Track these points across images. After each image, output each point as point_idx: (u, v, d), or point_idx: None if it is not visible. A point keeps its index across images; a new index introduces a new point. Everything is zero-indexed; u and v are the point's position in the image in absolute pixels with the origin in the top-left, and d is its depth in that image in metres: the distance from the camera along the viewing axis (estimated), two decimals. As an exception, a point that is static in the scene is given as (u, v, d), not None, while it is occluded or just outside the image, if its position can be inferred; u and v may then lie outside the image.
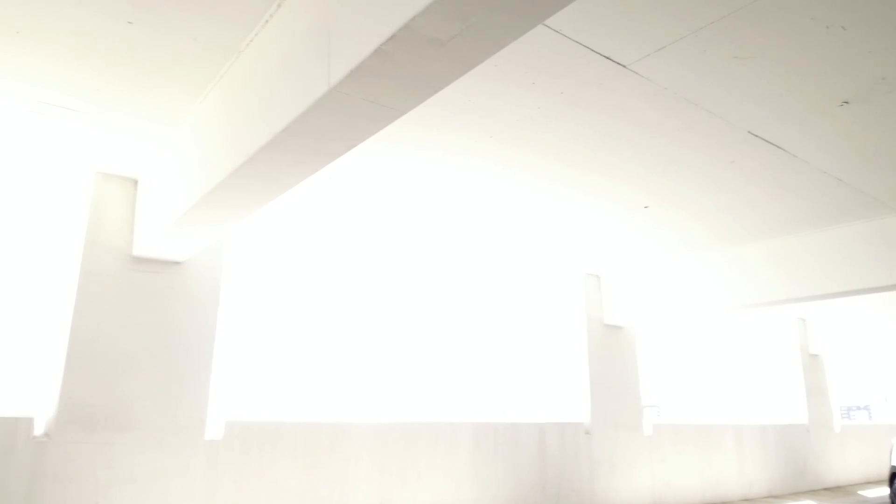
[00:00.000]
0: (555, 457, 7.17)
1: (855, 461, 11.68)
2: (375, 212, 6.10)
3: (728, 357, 10.82)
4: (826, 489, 10.78)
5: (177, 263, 5.20)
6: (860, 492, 10.43)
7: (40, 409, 4.74)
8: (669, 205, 5.85)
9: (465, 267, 7.90)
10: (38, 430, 4.49)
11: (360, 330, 7.08)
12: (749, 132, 4.34)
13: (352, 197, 5.70)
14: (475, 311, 7.62)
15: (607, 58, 3.51)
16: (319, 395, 6.70)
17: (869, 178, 5.17)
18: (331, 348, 6.94)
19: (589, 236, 6.89)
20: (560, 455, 7.22)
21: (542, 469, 7.02)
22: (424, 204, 5.89)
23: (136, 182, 5.17)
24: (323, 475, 5.59)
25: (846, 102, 3.94)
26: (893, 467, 5.40)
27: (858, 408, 18.32)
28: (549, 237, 6.92)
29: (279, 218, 6.21)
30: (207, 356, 5.17)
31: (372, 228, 6.60)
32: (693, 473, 8.69)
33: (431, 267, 7.72)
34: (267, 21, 3.23)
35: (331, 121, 2.82)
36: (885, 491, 8.47)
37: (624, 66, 3.60)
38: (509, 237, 6.91)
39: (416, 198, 5.72)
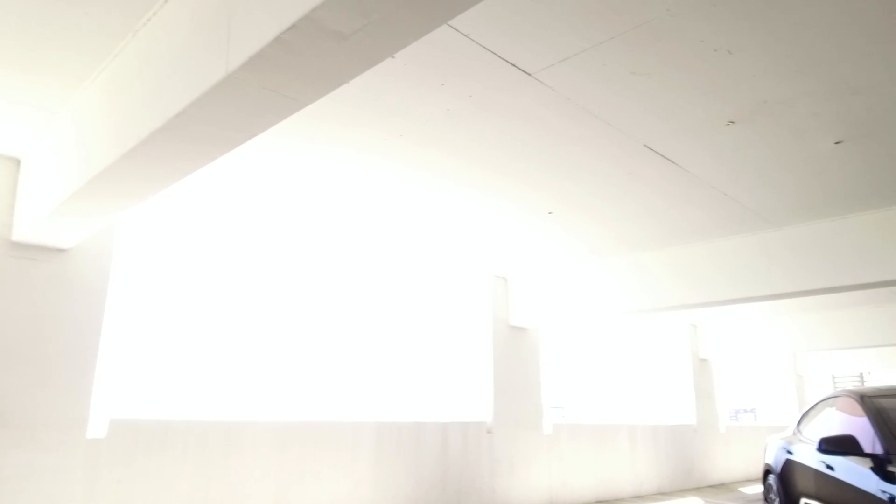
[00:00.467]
0: (457, 456, 7.26)
1: (738, 460, 12.50)
2: (279, 206, 5.97)
3: (625, 360, 11.33)
4: (710, 486, 11.48)
5: (61, 251, 4.88)
6: (741, 489, 11.17)
7: None
8: (573, 211, 6.06)
9: (372, 265, 7.87)
10: None
11: (260, 326, 6.90)
12: (645, 145, 4.57)
13: (255, 190, 5.55)
14: (381, 310, 7.60)
15: (513, 65, 3.59)
16: (215, 392, 6.47)
17: (752, 194, 5.56)
18: (229, 344, 6.73)
19: (497, 239, 7.04)
20: (462, 454, 7.32)
21: (444, 468, 7.09)
22: (330, 200, 5.83)
23: (18, 162, 4.81)
24: (215, 475, 5.40)
25: (732, 122, 4.21)
26: (767, 465, 5.82)
27: (745, 410, 19.67)
28: (457, 239, 7.01)
29: (177, 207, 5.95)
30: (92, 350, 4.88)
31: (276, 222, 6.45)
32: (588, 471, 9.03)
33: (337, 264, 7.63)
34: (167, 0, 3.10)
35: (228, 108, 2.74)
36: (762, 488, 9.13)
37: (529, 74, 3.70)
38: (418, 237, 6.94)
39: (321, 194, 5.65)
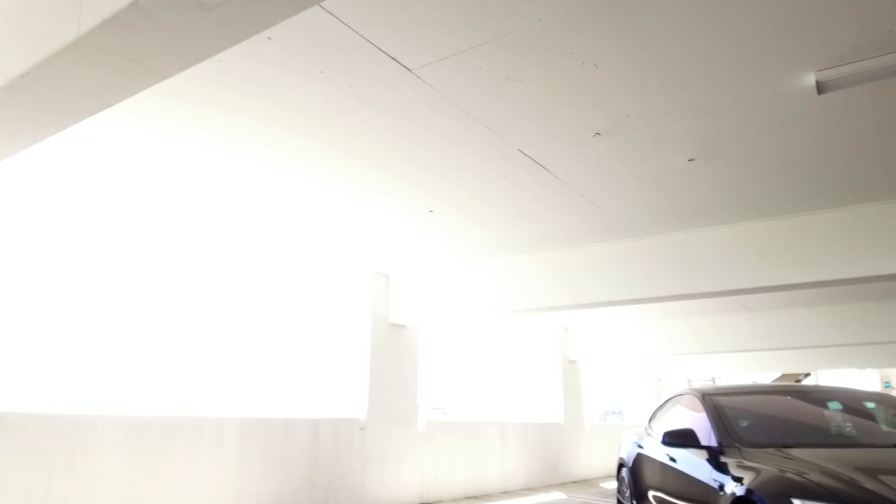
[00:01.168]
0: (328, 453, 7.17)
1: (601, 457, 13.24)
2: (145, 190, 5.65)
3: (500, 360, 11.69)
4: (574, 482, 12.08)
5: None
6: (601, 484, 11.83)
7: None
8: (453, 210, 6.18)
9: (248, 256, 7.62)
10: None
11: (116, 316, 6.47)
12: (520, 150, 4.75)
13: (118, 172, 5.22)
14: (256, 303, 7.36)
15: (394, 59, 3.62)
16: (64, 383, 5.98)
17: (615, 204, 5.93)
18: (81, 334, 6.25)
19: (377, 236, 7.04)
20: (333, 451, 7.24)
21: (314, 465, 6.97)
22: (200, 188, 5.60)
23: None
24: (58, 472, 4.99)
25: (598, 134, 4.47)
26: (620, 459, 6.20)
27: (614, 412, 20.90)
28: (337, 233, 6.94)
29: (28, 186, 5.47)
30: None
31: (143, 209, 6.09)
32: (460, 468, 9.22)
33: (210, 253, 7.32)
34: (15, -49, 2.85)
35: (78, 73, 2.56)
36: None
37: (409, 70, 3.73)
38: (296, 230, 6.81)
39: (190, 181, 5.42)
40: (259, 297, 7.36)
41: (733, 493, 3.45)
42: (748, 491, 3.25)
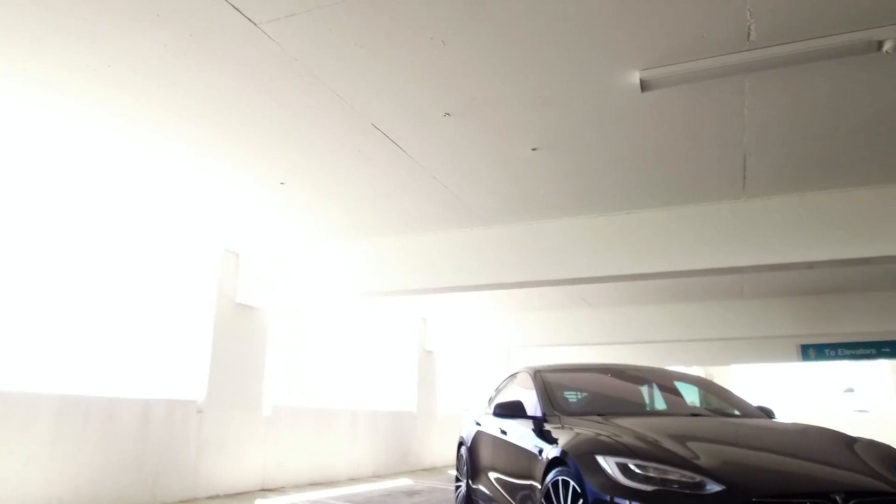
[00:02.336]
0: (159, 434, 6.74)
1: (452, 446, 13.56)
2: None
3: (357, 348, 11.63)
4: (424, 470, 12.28)
5: None
6: (449, 471, 12.11)
7: None
8: (306, 186, 6.04)
9: (80, 224, 6.98)
10: None
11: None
12: (373, 124, 4.73)
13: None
14: (88, 275, 6.75)
15: (237, 9, 3.47)
16: None
17: (466, 190, 6.10)
18: None
19: (225, 209, 6.73)
20: (166, 433, 6.81)
21: (142, 447, 6.53)
22: (21, 151, 5.05)
23: None
24: None
25: (448, 114, 4.57)
26: (460, 437, 6.38)
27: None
28: (179, 204, 6.56)
29: None
30: None
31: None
32: (306, 454, 9.05)
33: (32, 218, 6.62)
34: None
35: None
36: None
37: (255, 24, 3.60)
38: (134, 200, 6.35)
39: (16, 143, 4.87)
40: (93, 269, 6.76)
41: (549, 456, 3.67)
42: (562, 452, 3.47)
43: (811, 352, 16.57)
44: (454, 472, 11.71)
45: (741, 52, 3.71)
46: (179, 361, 7.49)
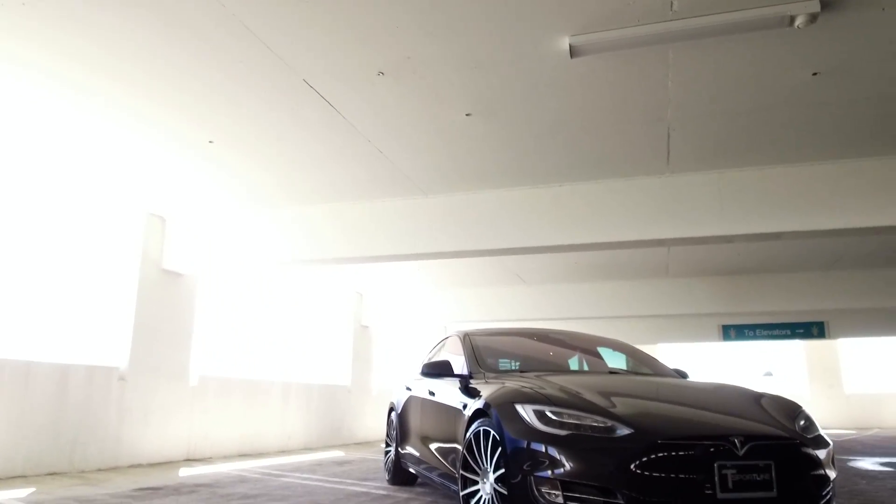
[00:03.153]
0: (78, 401, 6.49)
1: (385, 420, 13.60)
2: None
3: (292, 321, 11.49)
4: (357, 444, 12.29)
5: None
6: (382, 445, 12.18)
7: None
8: (235, 147, 5.90)
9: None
10: None
11: None
12: (305, 81, 4.65)
13: None
14: (4, 236, 6.40)
15: (160, -54, 3.34)
16: None
17: (402, 156, 6.10)
18: None
19: (147, 172, 6.50)
20: (85, 400, 6.57)
21: (59, 414, 6.28)
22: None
23: None
24: None
25: (382, 73, 4.54)
26: (391, 403, 6.42)
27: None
28: (98, 164, 6.30)
29: None
30: None
31: None
32: (234, 426, 8.91)
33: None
34: None
35: None
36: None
37: (180, -35, 3.47)
38: (48, 157, 6.06)
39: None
40: (11, 229, 6.40)
41: (472, 408, 3.75)
42: (485, 404, 3.56)
43: (731, 332, 17.46)
44: (384, 446, 11.80)
45: (665, 21, 3.83)
46: (101, 327, 7.22)
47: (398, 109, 5.10)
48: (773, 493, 2.93)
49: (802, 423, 3.42)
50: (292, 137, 5.68)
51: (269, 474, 6.70)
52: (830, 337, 16.60)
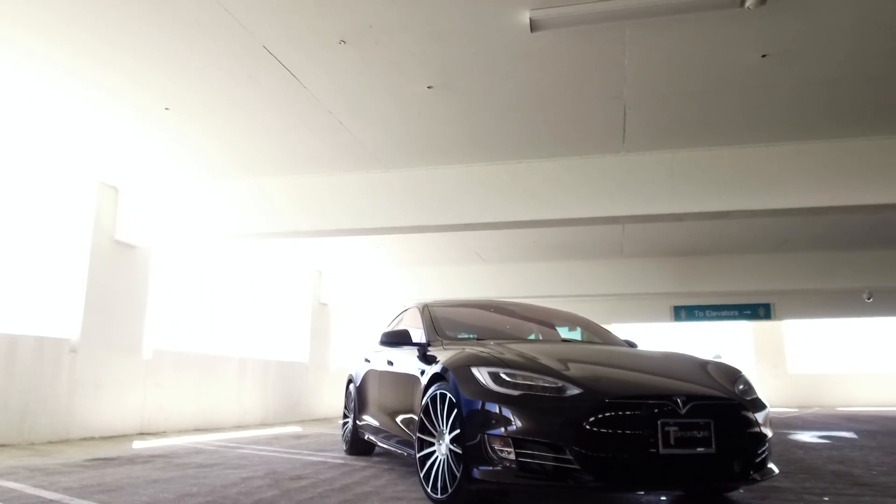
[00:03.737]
0: (27, 372, 6.35)
1: (343, 397, 13.65)
2: None
3: (251, 297, 11.39)
4: (314, 420, 12.31)
5: None
6: (339, 421, 12.22)
7: None
8: (192, 115, 5.79)
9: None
10: None
11: None
12: (264, 46, 4.60)
13: None
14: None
15: None
16: None
17: (363, 128, 6.08)
18: None
19: (99, 140, 6.33)
20: (35, 371, 6.43)
21: (8, 384, 6.14)
22: None
23: None
24: None
25: (343, 42, 4.52)
26: (350, 375, 6.46)
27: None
28: (46, 132, 6.12)
29: None
30: None
31: None
32: (190, 400, 8.84)
33: None
34: None
35: None
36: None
37: (136, -80, 3.39)
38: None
39: None
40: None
41: (430, 373, 3.83)
42: (443, 368, 3.64)
43: (682, 312, 18.00)
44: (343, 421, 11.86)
45: (623, -3, 3.92)
46: (53, 298, 7.05)
47: (359, 80, 5.08)
48: (712, 450, 3.10)
49: (742, 386, 3.60)
50: (251, 107, 5.61)
51: (226, 447, 6.69)
52: (776, 318, 17.27)
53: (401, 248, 11.61)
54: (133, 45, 4.56)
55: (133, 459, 5.39)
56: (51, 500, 3.47)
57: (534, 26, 4.17)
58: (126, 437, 7.40)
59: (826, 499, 3.71)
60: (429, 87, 5.20)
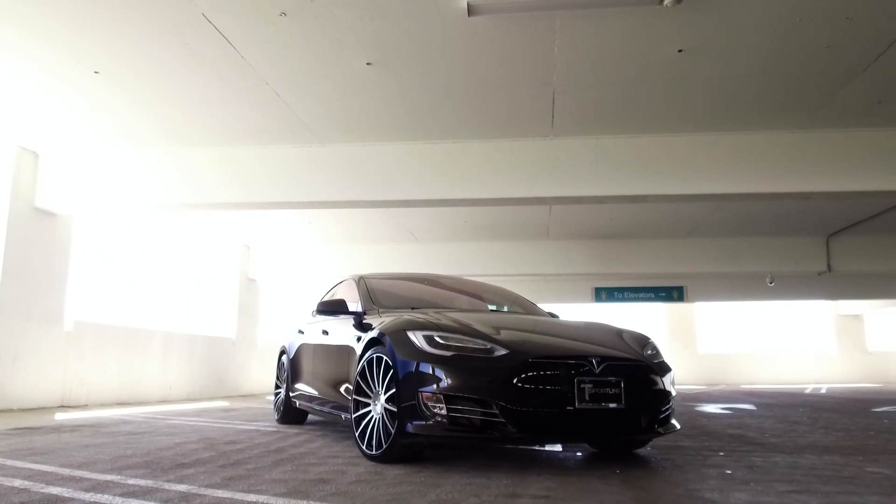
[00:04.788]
0: (-62, 343, 6.11)
1: (271, 373, 13.60)
2: None
3: (176, 271, 11.16)
4: (241, 395, 12.25)
5: None
6: (268, 397, 12.22)
7: None
8: (120, 80, 5.66)
9: None
10: None
11: None
12: (203, 15, 4.59)
13: None
14: None
15: None
16: None
17: (301, 101, 6.13)
18: None
19: (19, 103, 6.10)
20: (-54, 342, 6.19)
21: (-84, 356, 5.89)
22: None
23: None
24: None
25: (284, 14, 4.57)
26: (282, 346, 6.54)
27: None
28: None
29: None
30: None
31: None
32: (113, 374, 8.65)
33: None
34: None
35: None
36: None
37: None
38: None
39: None
40: None
41: (366, 338, 4.02)
42: (379, 333, 3.83)
43: (603, 294, 18.82)
44: (272, 398, 11.86)
45: (555, -12, 4.18)
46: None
47: (299, 52, 5.14)
48: (622, 405, 3.44)
49: (650, 351, 3.98)
50: (182, 74, 5.55)
51: (154, 418, 6.65)
52: (688, 300, 18.33)
53: (333, 224, 11.64)
54: (60, 9, 4.44)
55: (59, 429, 5.32)
56: (-20, 463, 3.46)
57: (471, 11, 4.37)
58: (46, 409, 7.21)
59: (721, 454, 4.16)
60: (368, 64, 5.31)
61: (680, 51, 5.00)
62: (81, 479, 2.97)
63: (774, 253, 12.54)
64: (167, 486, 2.84)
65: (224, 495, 2.64)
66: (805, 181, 6.65)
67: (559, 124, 6.59)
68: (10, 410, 6.80)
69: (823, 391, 14.99)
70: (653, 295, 18.81)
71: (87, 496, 2.59)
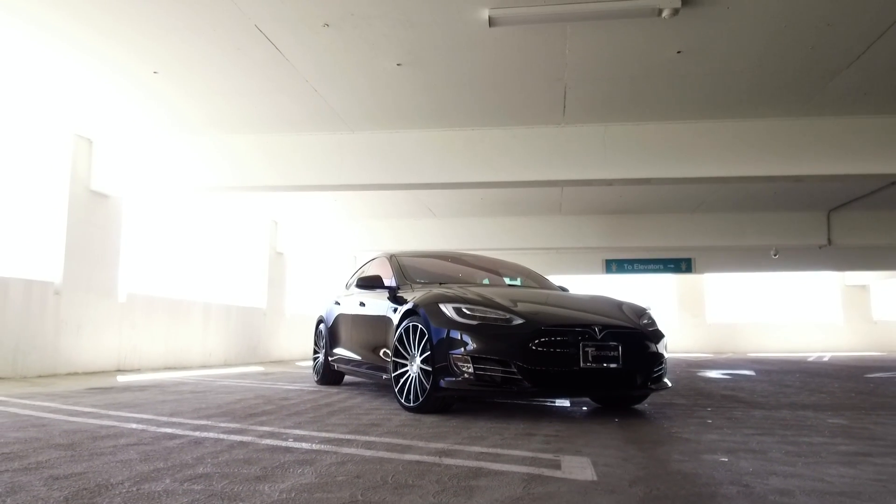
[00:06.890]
0: (18, 313, 6.89)
1: (299, 342, 14.45)
2: None
3: (213, 245, 11.91)
4: (272, 361, 13.09)
5: None
6: (298, 363, 13.03)
7: None
8: (173, 78, 6.30)
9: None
10: None
11: None
12: (256, 26, 5.21)
13: None
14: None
15: None
16: None
17: (336, 96, 6.75)
18: None
19: (78, 94, 6.75)
20: (24, 311, 6.97)
21: (1, 323, 6.68)
22: None
23: None
24: None
25: (327, 25, 5.18)
26: (319, 316, 7.23)
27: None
28: (26, 87, 6.51)
29: None
30: None
31: None
32: (160, 341, 9.47)
33: None
34: None
35: None
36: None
37: (159, -78, 3.95)
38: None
39: None
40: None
41: (403, 310, 4.71)
42: (414, 304, 4.51)
43: (613, 266, 19.42)
44: (302, 364, 12.68)
45: (564, 4, 4.74)
46: (36, 244, 7.51)
47: (337, 56, 5.75)
48: (620, 366, 4.12)
49: (645, 321, 4.64)
50: (233, 72, 6.17)
51: (205, 380, 7.44)
52: (696, 272, 18.92)
53: (356, 201, 12.30)
54: (127, 10, 5.05)
55: (128, 388, 6.09)
56: (89, 412, 4.21)
57: (492, 22, 4.95)
58: (107, 372, 8.03)
59: (708, 409, 4.83)
60: (398, 65, 5.91)
61: (679, 52, 5.55)
62: (181, 424, 3.70)
63: (777, 227, 13.06)
64: (253, 427, 3.57)
65: (303, 433, 3.36)
66: (798, 165, 7.20)
67: (570, 113, 7.16)
68: (77, 374, 7.62)
69: (826, 359, 15.59)
70: (661, 266, 19.39)
71: (196, 434, 3.32)
